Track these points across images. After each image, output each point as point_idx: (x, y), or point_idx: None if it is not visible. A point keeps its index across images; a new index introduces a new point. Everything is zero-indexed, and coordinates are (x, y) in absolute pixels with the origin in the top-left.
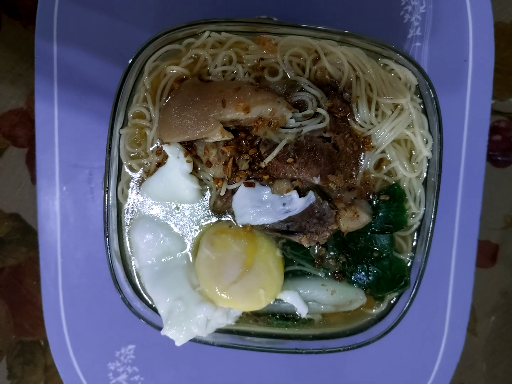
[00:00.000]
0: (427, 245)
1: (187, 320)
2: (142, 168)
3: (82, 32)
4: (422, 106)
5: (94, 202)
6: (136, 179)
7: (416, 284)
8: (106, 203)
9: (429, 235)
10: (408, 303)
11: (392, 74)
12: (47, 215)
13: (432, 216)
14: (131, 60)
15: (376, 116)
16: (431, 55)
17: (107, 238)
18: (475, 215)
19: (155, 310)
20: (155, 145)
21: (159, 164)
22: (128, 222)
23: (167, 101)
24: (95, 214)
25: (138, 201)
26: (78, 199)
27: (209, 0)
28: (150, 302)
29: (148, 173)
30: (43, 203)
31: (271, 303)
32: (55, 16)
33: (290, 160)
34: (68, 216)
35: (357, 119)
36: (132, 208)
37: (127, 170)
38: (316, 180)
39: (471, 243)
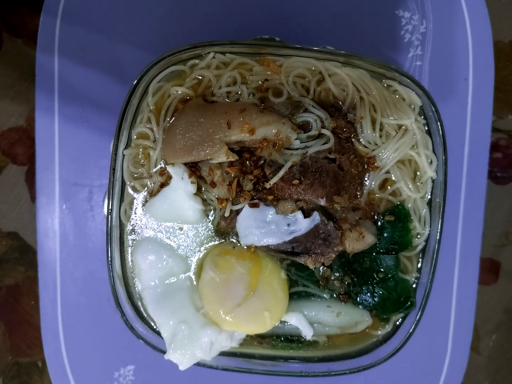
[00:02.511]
0: (432, 266)
1: (191, 344)
2: (145, 189)
3: (83, 50)
4: (426, 127)
5: (94, 220)
6: (139, 200)
7: (422, 305)
8: (109, 224)
9: (434, 256)
10: (414, 325)
11: (396, 95)
12: (46, 234)
13: (438, 237)
14: (136, 81)
15: (380, 136)
16: (431, 74)
17: (109, 260)
18: (477, 233)
19: (156, 332)
20: (159, 166)
21: (163, 185)
22: (130, 243)
23: (171, 121)
24: (95, 232)
25: (141, 222)
26: (77, 218)
27: (209, 21)
28: (152, 324)
29: (152, 193)
30: (43, 221)
31: (276, 325)
32: (57, 34)
33: (296, 181)
34: (68, 235)
35: (361, 140)
36: (135, 229)
37: (130, 190)
38: (322, 202)
39: (473, 260)
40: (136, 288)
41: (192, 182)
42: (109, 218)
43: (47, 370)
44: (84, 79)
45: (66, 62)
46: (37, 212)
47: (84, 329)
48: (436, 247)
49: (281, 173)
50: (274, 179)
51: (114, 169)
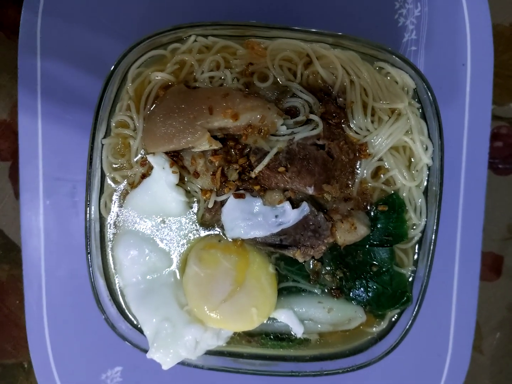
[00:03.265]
0: (429, 259)
1: (174, 342)
2: (126, 180)
3: (65, 43)
4: (420, 111)
5: (77, 216)
6: (120, 192)
7: (419, 300)
8: (88, 217)
9: (431, 247)
10: (410, 321)
11: (388, 78)
12: (31, 231)
13: (434, 227)
14: (113, 66)
15: (372, 122)
16: (427, 60)
17: (89, 255)
18: (478, 226)
19: (141, 330)
20: (140, 155)
21: (144, 176)
22: (111, 238)
23: (151, 109)
24: (79, 229)
25: (122, 215)
26: (61, 214)
27: (195, 10)
28: (136, 323)
29: (132, 185)
30: (26, 218)
31: (265, 322)
32: (38, 27)
33: (281, 169)
34: (51, 232)
35: (352, 126)
36: (115, 222)
37: (110, 182)
38: (310, 190)
39: (474, 255)
40: (118, 285)
41: (173, 172)
42: (87, 211)
43: (33, 372)
44: (67, 73)
45: (48, 56)
46: (21, 209)
47: (70, 329)
48: (433, 238)
49: (266, 160)
50: (259, 167)
51: (91, 159)
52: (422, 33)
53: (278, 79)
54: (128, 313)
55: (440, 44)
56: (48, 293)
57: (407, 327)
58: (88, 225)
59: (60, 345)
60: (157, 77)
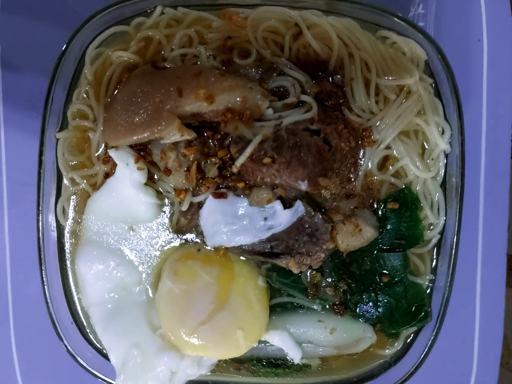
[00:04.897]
0: (451, 265)
1: (144, 374)
2: (86, 181)
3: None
4: (434, 87)
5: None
6: (80, 195)
7: (440, 316)
8: (40, 226)
9: (453, 251)
10: (430, 341)
11: (394, 49)
12: None
13: (456, 227)
14: (65, 45)
15: (377, 102)
16: (437, 36)
17: (43, 271)
18: (502, 225)
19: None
20: (101, 150)
21: (108, 175)
22: (70, 249)
23: (113, 95)
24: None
25: (82, 221)
26: (29, 224)
27: None
28: (102, 348)
29: (94, 186)
30: None
31: (255, 346)
32: None
33: (267, 160)
34: (18, 244)
35: (353, 107)
36: (75, 231)
37: (67, 183)
38: (303, 185)
39: (499, 258)
40: (81, 305)
41: (139, 169)
42: (40, 219)
43: None
44: (31, 65)
45: (8, 53)
46: None
47: (41, 355)
48: (455, 240)
49: (249, 150)
50: (241, 159)
51: (41, 158)
52: (430, 6)
53: (262, 55)
54: (93, 338)
55: (451, 18)
56: (16, 315)
57: (427, 348)
58: (41, 236)
59: (30, 374)
60: (120, 57)
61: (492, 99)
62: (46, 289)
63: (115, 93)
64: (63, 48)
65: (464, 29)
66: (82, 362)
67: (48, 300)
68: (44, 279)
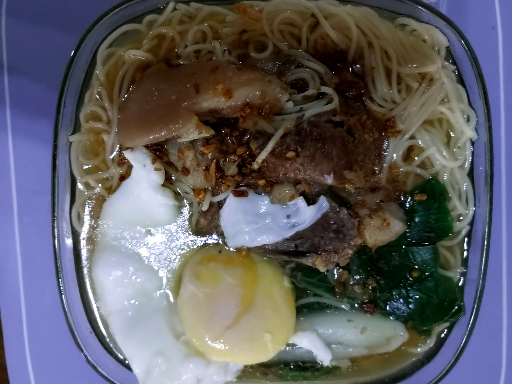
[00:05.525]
0: (483, 256)
1: (170, 382)
2: (101, 185)
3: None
4: (456, 74)
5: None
6: (95, 199)
7: (474, 309)
8: (56, 233)
9: (485, 241)
10: (465, 336)
11: (414, 36)
12: (6, 254)
13: (488, 217)
14: (75, 45)
15: (399, 91)
16: None
17: (60, 280)
18: None
19: (130, 367)
20: (116, 152)
21: (123, 178)
22: (87, 256)
23: (127, 95)
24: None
25: (99, 227)
26: (42, 232)
27: None
28: (123, 358)
29: (110, 190)
30: (0, 239)
31: (282, 350)
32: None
33: (290, 154)
34: (31, 253)
35: (374, 98)
36: (92, 236)
37: (82, 188)
38: (329, 179)
39: None
40: (100, 313)
41: (156, 169)
42: (55, 226)
43: None
44: (38, 70)
45: (14, 50)
46: None
47: (57, 367)
48: (487, 230)
49: (271, 145)
50: (262, 155)
51: (55, 162)
52: None
53: (279, 47)
54: (113, 347)
55: (464, 5)
56: (30, 326)
57: (462, 344)
58: (56, 243)
59: None
60: (132, 56)
61: (509, 86)
62: (63, 298)
63: (128, 93)
64: (74, 49)
65: (478, 17)
66: (103, 372)
67: (66, 310)
68: (62, 288)
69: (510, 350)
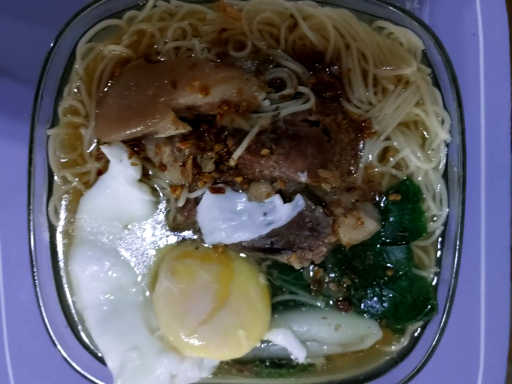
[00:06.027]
0: (456, 256)
1: (144, 377)
2: (78, 179)
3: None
4: (432, 77)
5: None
6: (72, 194)
7: (447, 309)
8: (32, 227)
9: (457, 242)
10: (437, 335)
11: (391, 39)
12: None
13: (460, 218)
14: (54, 39)
15: (375, 93)
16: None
17: (35, 274)
18: (504, 216)
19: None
20: (93, 147)
21: (101, 172)
22: (63, 250)
23: (105, 90)
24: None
25: (76, 221)
26: (20, 227)
27: None
28: (99, 352)
29: (87, 184)
30: None
31: (257, 346)
32: None
33: (265, 151)
34: (10, 250)
35: (351, 99)
36: (68, 231)
37: (59, 182)
38: (303, 177)
39: (502, 251)
40: (75, 308)
41: (132, 164)
42: (30, 219)
43: None
44: (17, 67)
45: None
46: None
47: (37, 363)
48: (459, 230)
49: (246, 141)
50: (238, 151)
51: (31, 155)
52: (425, 0)
53: (258, 47)
54: (88, 342)
55: (446, 12)
56: (10, 323)
57: (434, 342)
58: (32, 237)
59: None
60: (112, 51)
61: (489, 92)
62: (38, 291)
63: (107, 87)
64: (53, 42)
65: (460, 24)
66: (77, 367)
67: (41, 303)
68: (36, 282)
69: (488, 349)
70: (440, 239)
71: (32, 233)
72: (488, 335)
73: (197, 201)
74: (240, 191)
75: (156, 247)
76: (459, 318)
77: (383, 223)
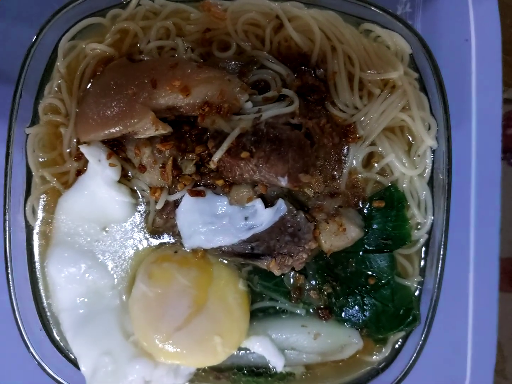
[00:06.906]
0: (439, 266)
1: (116, 383)
2: (57, 179)
3: None
4: (419, 82)
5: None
6: (50, 194)
7: (429, 319)
8: (8, 227)
9: (441, 251)
10: (419, 346)
11: (378, 43)
12: None
13: (444, 226)
14: (35, 36)
15: (360, 97)
16: (424, 35)
17: (9, 275)
18: (493, 227)
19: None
20: (73, 146)
21: (79, 173)
22: (40, 251)
23: (87, 88)
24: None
25: (53, 222)
26: None
27: None
28: (73, 356)
29: (66, 185)
30: None
31: (235, 354)
32: None
33: (245, 154)
34: None
35: (336, 102)
36: (45, 231)
37: (37, 181)
38: (283, 181)
39: (491, 261)
40: (51, 310)
41: (111, 165)
42: (6, 219)
43: None
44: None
45: None
46: None
47: (10, 365)
48: (443, 240)
49: (226, 144)
50: (218, 154)
51: (8, 151)
52: (417, 5)
53: (242, 47)
54: (63, 346)
55: (439, 17)
56: None
57: (415, 353)
58: (7, 236)
59: None
60: (94, 50)
61: (481, 98)
62: (12, 292)
63: (88, 86)
64: (34, 39)
65: (452, 29)
66: (49, 371)
67: (15, 305)
68: (11, 282)
69: (475, 361)
70: (424, 248)
71: (7, 233)
72: (475, 347)
73: (176, 204)
74: (221, 194)
75: (134, 250)
76: (446, 329)
77: (366, 230)
